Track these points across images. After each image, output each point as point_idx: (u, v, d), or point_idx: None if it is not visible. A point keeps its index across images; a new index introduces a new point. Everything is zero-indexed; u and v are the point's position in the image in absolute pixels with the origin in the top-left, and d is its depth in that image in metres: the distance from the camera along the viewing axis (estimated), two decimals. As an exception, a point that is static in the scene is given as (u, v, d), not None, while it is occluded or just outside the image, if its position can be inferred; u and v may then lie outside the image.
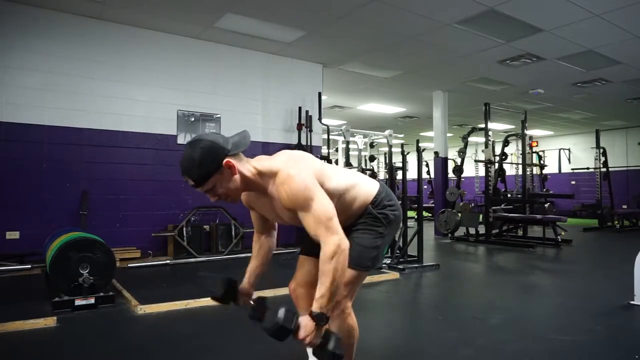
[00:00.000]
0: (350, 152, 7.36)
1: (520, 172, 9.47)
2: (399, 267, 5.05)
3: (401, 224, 5.52)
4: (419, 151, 5.86)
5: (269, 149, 6.63)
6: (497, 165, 8.97)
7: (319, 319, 1.40)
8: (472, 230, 8.18)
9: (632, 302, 3.55)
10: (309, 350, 1.95)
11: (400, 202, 5.69)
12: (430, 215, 11.74)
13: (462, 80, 8.30)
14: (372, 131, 8.14)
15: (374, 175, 7.74)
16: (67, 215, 5.21)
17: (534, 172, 10.23)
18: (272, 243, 1.96)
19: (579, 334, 2.87)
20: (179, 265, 5.32)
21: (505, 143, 9.59)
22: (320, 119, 7.10)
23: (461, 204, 8.48)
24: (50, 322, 2.98)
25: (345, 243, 1.45)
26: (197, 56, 6.24)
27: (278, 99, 6.95)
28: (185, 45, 6.14)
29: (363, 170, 7.48)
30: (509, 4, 4.95)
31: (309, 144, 6.90)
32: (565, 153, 15.07)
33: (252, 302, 1.72)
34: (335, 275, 1.41)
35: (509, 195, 9.70)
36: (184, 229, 5.71)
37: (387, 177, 6.26)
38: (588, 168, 12.38)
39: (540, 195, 9.91)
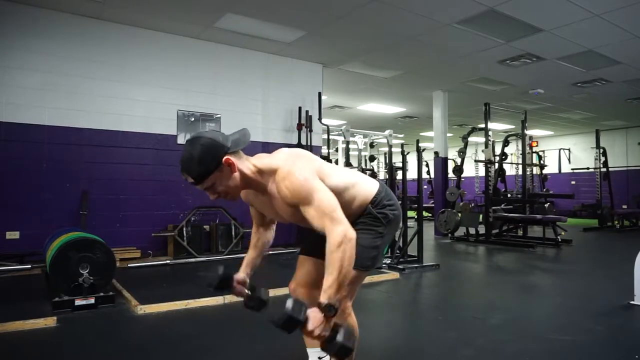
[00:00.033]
0: (350, 152, 7.36)
1: (520, 172, 9.47)
2: (399, 267, 5.05)
3: (401, 224, 5.52)
4: (419, 151, 5.85)
5: (269, 149, 6.62)
6: (497, 165, 8.97)
7: (328, 310, 1.37)
8: (472, 230, 8.17)
9: (632, 302, 3.55)
10: (309, 351, 1.95)
11: (400, 202, 5.70)
12: (430, 215, 11.74)
13: (462, 80, 8.30)
14: (372, 131, 8.15)
15: (374, 175, 7.74)
16: (67, 215, 5.21)
17: (534, 172, 10.23)
18: (271, 236, 1.99)
19: (579, 334, 2.87)
20: (179, 265, 5.32)
21: (505, 143, 9.59)
22: (320, 119, 7.10)
23: (461, 204, 8.48)
24: (50, 322, 2.98)
25: (352, 232, 1.43)
26: (197, 56, 6.24)
27: (278, 99, 6.95)
28: (185, 45, 6.14)
29: (363, 170, 7.48)
30: (509, 4, 4.95)
31: (309, 144, 6.90)
32: (565, 153, 15.07)
33: (247, 291, 1.78)
34: (342, 264, 1.39)
35: (509, 195, 9.70)
36: (184, 229, 5.71)
37: (387, 177, 6.26)
38: (588, 168, 12.38)
39: (540, 195, 9.91)
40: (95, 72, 5.49)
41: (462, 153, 9.36)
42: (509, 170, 11.65)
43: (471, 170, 11.44)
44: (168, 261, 5.37)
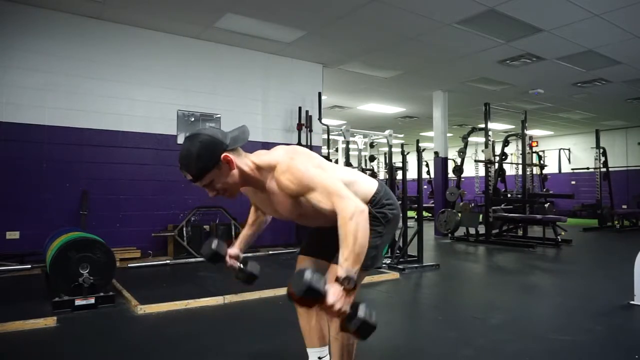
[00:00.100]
0: (350, 152, 7.35)
1: (520, 172, 9.47)
2: (399, 267, 5.05)
3: (401, 224, 5.51)
4: (419, 151, 5.85)
5: (268, 149, 6.59)
6: (497, 165, 8.97)
7: (347, 282, 1.32)
8: (472, 230, 8.17)
9: (632, 302, 3.54)
10: (309, 351, 1.95)
11: (400, 202, 5.70)
12: (430, 215, 11.74)
13: (462, 80, 8.30)
14: (372, 131, 8.14)
15: (374, 175, 7.74)
16: (67, 215, 5.21)
17: (534, 172, 10.23)
18: (268, 218, 2.01)
19: (579, 334, 2.87)
20: (179, 265, 5.32)
21: (505, 143, 9.59)
22: (320, 119, 7.10)
23: (461, 204, 8.48)
24: (50, 322, 2.98)
25: (363, 205, 1.42)
26: (197, 56, 6.24)
27: (278, 99, 6.95)
28: (185, 45, 6.14)
29: (363, 170, 7.48)
30: (509, 4, 4.95)
31: (309, 144, 6.90)
32: (565, 153, 15.07)
33: (239, 265, 1.81)
34: (357, 234, 1.36)
35: (509, 195, 9.70)
36: (184, 229, 5.71)
37: (387, 177, 6.26)
38: (588, 168, 12.38)
39: (540, 195, 9.91)
40: (95, 72, 5.50)
41: (462, 153, 9.36)
42: (509, 170, 11.66)
43: (471, 170, 11.44)
44: (168, 261, 5.37)
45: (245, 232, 2.00)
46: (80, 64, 5.40)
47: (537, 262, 6.00)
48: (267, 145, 6.66)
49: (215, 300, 3.59)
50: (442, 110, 9.23)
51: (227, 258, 1.85)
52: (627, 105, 10.47)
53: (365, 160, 11.75)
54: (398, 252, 5.37)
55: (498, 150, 9.44)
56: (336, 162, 9.86)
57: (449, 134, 9.89)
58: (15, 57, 5.04)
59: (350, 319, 1.29)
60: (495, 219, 8.14)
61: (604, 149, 11.04)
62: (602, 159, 10.96)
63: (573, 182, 14.68)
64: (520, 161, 9.29)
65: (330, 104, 10.32)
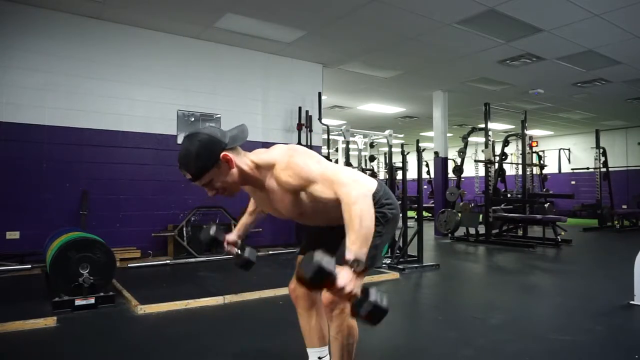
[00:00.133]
0: (350, 152, 7.36)
1: (520, 172, 9.47)
2: (399, 267, 5.05)
3: (401, 224, 5.51)
4: (419, 151, 5.85)
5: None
6: (497, 165, 8.97)
7: (357, 264, 1.31)
8: (472, 230, 8.17)
9: (632, 302, 3.54)
10: (309, 351, 1.95)
11: (400, 202, 5.69)
12: (430, 215, 11.74)
13: (462, 80, 8.30)
14: (372, 131, 8.14)
15: (374, 175, 7.74)
16: (67, 215, 5.21)
17: (534, 172, 10.23)
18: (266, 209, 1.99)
19: (579, 334, 2.87)
20: (179, 265, 5.32)
21: (505, 143, 9.59)
22: (320, 119, 7.10)
23: (461, 204, 8.48)
24: (50, 322, 2.98)
25: (365, 189, 1.43)
26: (197, 56, 6.24)
27: (278, 99, 6.95)
28: (185, 45, 6.14)
29: (363, 170, 7.48)
30: (509, 4, 4.95)
31: (309, 144, 6.90)
32: (565, 153, 15.07)
33: (237, 251, 1.87)
34: (362, 217, 1.36)
35: (509, 195, 9.70)
36: (184, 229, 5.71)
37: (387, 177, 6.26)
38: (588, 168, 12.38)
39: (540, 195, 9.91)
40: (95, 72, 5.50)
41: (462, 153, 9.36)
42: (509, 170, 11.66)
43: (471, 170, 11.44)
44: (168, 261, 5.37)
45: (244, 220, 2.04)
46: (80, 64, 5.40)
47: (537, 262, 6.00)
48: (267, 145, 6.63)
49: (215, 300, 3.59)
50: (442, 110, 9.23)
51: (225, 244, 1.91)
52: (627, 105, 10.47)
53: (365, 160, 11.75)
54: (398, 252, 5.37)
55: (498, 150, 9.44)
56: (336, 162, 9.86)
57: (449, 134, 9.89)
58: (15, 57, 5.04)
59: (361, 303, 1.28)
60: (495, 219, 8.14)
61: (604, 149, 11.05)
62: (602, 159, 10.96)
63: (573, 182, 14.68)
64: (520, 161, 9.30)
65: (330, 104, 10.32)
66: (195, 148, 1.47)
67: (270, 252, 6.08)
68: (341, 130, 7.05)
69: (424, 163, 10.98)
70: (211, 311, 3.41)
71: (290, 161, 1.51)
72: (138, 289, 3.80)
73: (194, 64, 6.23)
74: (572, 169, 14.23)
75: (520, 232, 8.55)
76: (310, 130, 6.98)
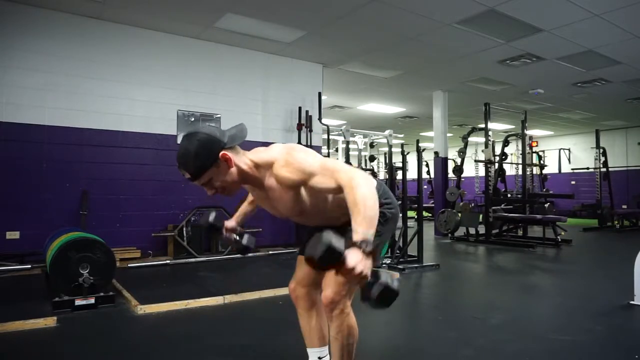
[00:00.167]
0: (350, 152, 7.35)
1: (520, 172, 9.47)
2: (399, 267, 5.05)
3: (401, 224, 5.50)
4: (419, 151, 5.85)
5: (269, 149, 6.62)
6: (497, 165, 8.97)
7: (365, 245, 1.28)
8: (472, 230, 8.17)
9: (632, 302, 3.54)
10: (309, 351, 1.95)
11: (400, 202, 5.69)
12: (430, 215, 11.74)
13: (462, 80, 8.30)
14: (372, 131, 8.14)
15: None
16: (67, 215, 5.21)
17: (534, 172, 10.23)
18: None
19: (579, 334, 2.87)
20: (179, 265, 5.32)
21: (505, 143, 9.59)
22: (320, 119, 7.10)
23: (461, 204, 8.48)
24: (50, 322, 2.98)
25: (366, 174, 1.44)
26: (197, 56, 6.24)
27: (278, 99, 6.95)
28: (185, 45, 6.14)
29: (363, 170, 7.47)
30: (509, 4, 4.95)
31: (309, 144, 6.90)
32: (565, 153, 15.07)
33: (236, 237, 1.88)
34: (365, 200, 1.35)
35: (509, 195, 9.70)
36: (184, 229, 5.71)
37: (387, 177, 6.26)
38: (588, 168, 12.38)
39: (540, 195, 9.91)
40: (95, 72, 5.50)
41: (462, 153, 9.36)
42: (509, 170, 11.66)
43: (471, 170, 11.45)
44: (168, 261, 5.37)
45: (243, 208, 2.05)
46: (80, 64, 5.40)
47: (537, 262, 6.00)
48: (267, 145, 6.67)
49: (215, 300, 3.59)
50: (442, 110, 9.23)
51: (224, 230, 1.93)
52: (627, 105, 10.48)
53: (365, 160, 11.74)
54: (398, 252, 5.37)
55: (498, 150, 9.44)
56: (336, 162, 9.84)
57: (449, 134, 9.89)
58: (15, 57, 5.04)
59: (372, 284, 1.25)
60: (495, 219, 8.14)
61: (604, 149, 11.05)
62: (602, 159, 10.96)
63: (573, 182, 14.68)
64: (520, 161, 9.30)
65: (330, 104, 10.32)
66: (194, 147, 1.47)
67: (270, 252, 6.08)
68: (341, 130, 7.05)
69: (424, 163, 10.98)
70: (211, 311, 3.41)
71: (288, 158, 1.51)
72: (138, 289, 3.80)
73: (194, 64, 6.23)
74: (572, 169, 14.23)
75: (520, 232, 8.55)
76: (310, 130, 6.98)
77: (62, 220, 5.11)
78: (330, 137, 7.41)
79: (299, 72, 7.15)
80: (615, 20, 5.38)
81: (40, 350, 2.62)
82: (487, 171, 8.16)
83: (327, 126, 7.21)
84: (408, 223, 5.55)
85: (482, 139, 8.50)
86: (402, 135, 13.33)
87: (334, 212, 1.70)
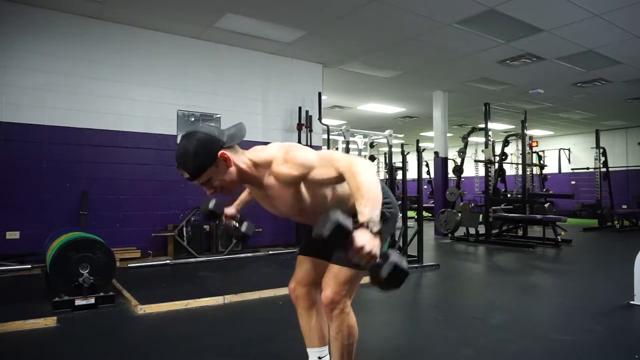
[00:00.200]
0: (351, 152, 7.35)
1: (520, 172, 9.47)
2: (399, 267, 5.04)
3: (400, 224, 5.50)
4: (419, 151, 5.85)
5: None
6: (497, 165, 8.97)
7: (372, 224, 1.28)
8: (472, 230, 8.17)
9: (632, 302, 3.54)
10: (309, 351, 1.95)
11: (400, 202, 5.69)
12: (430, 215, 11.74)
13: (462, 80, 8.30)
14: (372, 131, 8.13)
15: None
16: (67, 215, 5.21)
17: (534, 172, 10.23)
18: None
19: (579, 334, 2.87)
20: (179, 265, 5.32)
21: (505, 143, 9.59)
22: (320, 119, 7.10)
23: (461, 204, 8.48)
24: (50, 322, 2.98)
25: (368, 161, 1.45)
26: (197, 56, 6.24)
27: (278, 99, 6.95)
28: (185, 45, 6.14)
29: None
30: (509, 4, 4.95)
31: (309, 144, 6.90)
32: (565, 153, 15.07)
33: (235, 224, 1.90)
34: (367, 183, 1.36)
35: (509, 195, 9.70)
36: (184, 229, 5.71)
37: (387, 177, 6.26)
38: (588, 168, 12.38)
39: (540, 195, 9.91)
40: (95, 72, 5.50)
41: (462, 153, 9.36)
42: (509, 170, 11.65)
43: (471, 170, 11.44)
44: (168, 261, 5.37)
45: (243, 197, 2.06)
46: (80, 64, 5.40)
47: (537, 262, 6.00)
48: (267, 145, 6.67)
49: (215, 300, 3.59)
50: (442, 110, 9.23)
51: (224, 217, 1.95)
52: (627, 105, 10.48)
53: (365, 160, 11.72)
54: (398, 252, 5.36)
55: (498, 150, 9.44)
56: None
57: (449, 134, 9.89)
58: (15, 57, 5.04)
59: (381, 265, 1.23)
60: (495, 219, 8.14)
61: (604, 149, 11.05)
62: (602, 159, 10.96)
63: (573, 182, 14.68)
64: (520, 161, 9.30)
65: (330, 104, 10.32)
66: (193, 147, 1.47)
67: (270, 252, 6.08)
68: (341, 130, 7.04)
69: (424, 163, 10.98)
70: (211, 311, 3.41)
71: (287, 156, 1.51)
72: (138, 289, 3.80)
73: (194, 64, 6.23)
74: (572, 169, 14.23)
75: (520, 232, 8.55)
76: (310, 130, 6.98)
77: (62, 220, 5.11)
78: (330, 137, 7.40)
79: (299, 72, 7.15)
80: (615, 20, 5.38)
81: (40, 350, 2.62)
82: (487, 171, 8.16)
83: (327, 126, 7.21)
84: (408, 223, 5.55)
85: (482, 139, 8.50)
86: (402, 135, 13.33)
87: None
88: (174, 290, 3.97)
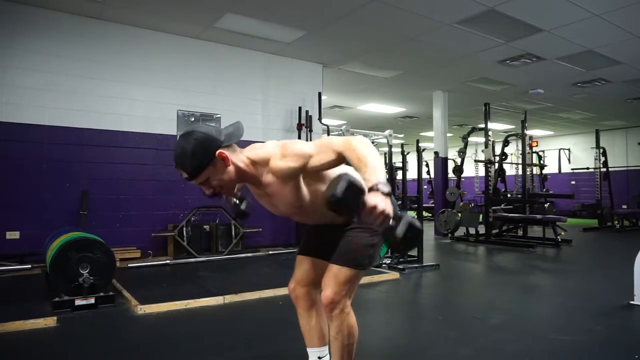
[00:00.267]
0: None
1: (520, 172, 9.47)
2: (399, 267, 5.05)
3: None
4: (419, 151, 5.86)
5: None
6: (497, 165, 8.97)
7: (382, 186, 1.27)
8: (472, 230, 8.17)
9: (632, 302, 3.54)
10: (309, 351, 1.95)
11: (400, 202, 5.70)
12: (430, 215, 11.74)
13: (462, 80, 8.30)
14: (372, 131, 8.13)
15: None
16: (67, 215, 5.21)
17: (534, 172, 10.23)
18: None
19: (579, 334, 2.87)
20: (179, 265, 5.32)
21: (505, 143, 9.59)
22: (320, 119, 7.10)
23: (461, 204, 8.48)
24: (50, 322, 2.98)
25: (364, 138, 1.47)
26: (197, 56, 6.24)
27: (278, 99, 6.95)
28: (185, 45, 6.14)
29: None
30: (509, 4, 4.95)
31: (309, 144, 6.90)
32: (565, 153, 15.07)
33: (235, 201, 1.86)
34: (367, 154, 1.38)
35: (509, 195, 9.70)
36: (184, 229, 5.71)
37: (387, 177, 6.26)
38: (588, 168, 12.38)
39: (540, 195, 9.90)
40: (95, 72, 5.50)
41: (462, 153, 9.36)
42: (509, 170, 11.65)
43: (471, 170, 11.44)
44: (168, 261, 5.37)
45: None
46: (80, 64, 5.40)
47: (537, 262, 6.00)
48: (267, 145, 6.67)
49: (215, 300, 3.59)
50: (442, 110, 9.23)
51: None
52: (627, 105, 10.48)
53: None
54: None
55: (498, 150, 9.44)
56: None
57: (449, 134, 9.89)
58: (15, 57, 5.04)
59: (394, 227, 1.24)
60: (495, 219, 8.14)
61: (604, 149, 11.05)
62: (602, 159, 10.96)
63: (573, 182, 14.68)
64: (520, 161, 9.29)
65: (330, 104, 10.32)
66: (190, 147, 1.46)
67: (270, 252, 6.08)
68: (341, 130, 7.05)
69: (424, 163, 10.98)
70: (211, 311, 3.41)
71: (284, 151, 1.52)
72: (138, 289, 3.80)
73: (194, 64, 6.23)
74: (572, 169, 14.23)
75: (520, 232, 8.55)
76: (310, 130, 6.98)
77: (62, 220, 5.11)
78: (331, 137, 7.40)
79: (299, 72, 7.15)
80: (615, 20, 5.38)
81: (40, 350, 2.62)
82: (487, 171, 8.16)
83: (327, 126, 7.21)
84: (408, 223, 5.53)
85: (482, 139, 8.50)
86: (402, 135, 13.29)
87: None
88: (174, 290, 3.97)
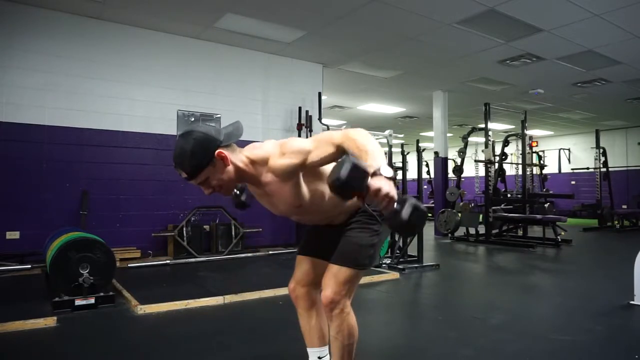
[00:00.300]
0: (350, 152, 7.35)
1: (520, 172, 9.47)
2: (399, 267, 5.05)
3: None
4: (419, 151, 5.86)
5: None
6: (497, 165, 8.97)
7: (384, 170, 1.27)
8: (472, 230, 8.17)
9: (632, 302, 3.54)
10: (309, 350, 1.95)
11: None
12: (430, 215, 11.74)
13: (462, 80, 8.30)
14: (372, 131, 8.11)
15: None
16: (67, 215, 5.21)
17: (534, 172, 10.23)
18: None
19: (579, 334, 2.87)
20: (179, 265, 5.32)
21: (505, 143, 9.59)
22: (320, 119, 7.10)
23: (461, 204, 8.49)
24: (50, 322, 2.98)
25: (363, 129, 1.49)
26: (197, 56, 6.24)
27: (278, 99, 6.95)
28: (185, 45, 6.14)
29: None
30: (509, 4, 4.95)
31: (309, 144, 6.90)
32: (565, 153, 15.07)
33: (236, 191, 1.89)
34: (366, 141, 1.40)
35: (509, 195, 9.70)
36: (184, 229, 5.71)
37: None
38: (588, 168, 12.38)
39: (540, 195, 9.90)
40: (95, 72, 5.50)
41: (462, 153, 9.36)
42: (509, 170, 11.66)
43: (471, 170, 11.45)
44: (168, 261, 5.37)
45: None
46: (80, 64, 5.40)
47: (537, 262, 6.00)
48: (267, 145, 6.67)
49: (215, 300, 3.59)
50: (442, 110, 9.23)
51: None
52: (627, 105, 10.48)
53: (365, 160, 11.73)
54: (398, 252, 5.37)
55: (498, 150, 9.44)
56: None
57: (449, 134, 9.90)
58: (15, 57, 5.04)
59: (399, 211, 1.23)
60: (495, 219, 8.14)
61: (604, 149, 11.05)
62: (602, 159, 10.96)
63: (573, 182, 14.68)
64: (520, 161, 9.29)
65: (330, 104, 10.32)
66: (190, 146, 1.46)
67: (270, 252, 6.08)
68: (341, 130, 7.04)
69: (424, 163, 10.97)
70: (211, 311, 3.41)
71: (283, 149, 1.52)
72: (138, 289, 3.80)
73: (194, 64, 6.23)
74: (572, 169, 14.23)
75: (520, 232, 8.55)
76: (311, 130, 6.98)
77: (62, 220, 5.11)
78: (329, 131, 7.40)
79: (299, 72, 7.15)
80: (615, 20, 5.38)
81: (40, 350, 2.62)
82: (487, 171, 8.16)
83: (327, 126, 7.20)
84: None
85: (482, 139, 8.50)
86: (402, 135, 13.33)
87: (331, 210, 1.71)
88: (174, 290, 3.97)
